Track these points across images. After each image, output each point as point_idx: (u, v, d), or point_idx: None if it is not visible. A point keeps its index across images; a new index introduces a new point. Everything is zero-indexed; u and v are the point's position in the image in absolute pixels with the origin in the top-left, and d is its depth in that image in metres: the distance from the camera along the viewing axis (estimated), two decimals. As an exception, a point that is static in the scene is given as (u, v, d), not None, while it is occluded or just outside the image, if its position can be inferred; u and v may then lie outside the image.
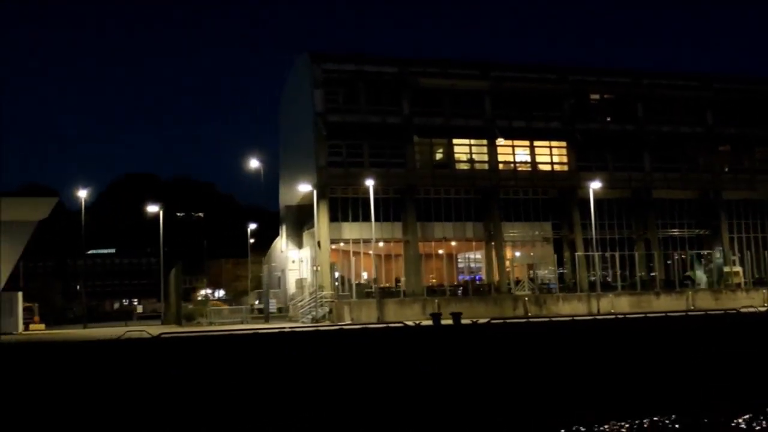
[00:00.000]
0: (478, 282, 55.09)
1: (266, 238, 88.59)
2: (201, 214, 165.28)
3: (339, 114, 50.52)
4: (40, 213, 55.51)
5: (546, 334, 30.13)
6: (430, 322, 37.49)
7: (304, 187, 49.34)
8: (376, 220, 48.87)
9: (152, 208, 63.66)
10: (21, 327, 47.95)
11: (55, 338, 40.23)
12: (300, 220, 58.62)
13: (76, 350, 27.81)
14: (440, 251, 54.76)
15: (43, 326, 54.34)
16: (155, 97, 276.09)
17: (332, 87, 50.89)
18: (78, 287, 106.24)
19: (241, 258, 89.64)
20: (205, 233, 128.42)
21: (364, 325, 38.19)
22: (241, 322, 48.12)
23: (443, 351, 23.88)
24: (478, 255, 56.94)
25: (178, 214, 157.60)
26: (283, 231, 59.95)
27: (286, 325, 43.08)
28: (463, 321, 36.59)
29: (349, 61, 51.53)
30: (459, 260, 57.68)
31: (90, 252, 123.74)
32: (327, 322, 45.11)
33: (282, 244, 60.66)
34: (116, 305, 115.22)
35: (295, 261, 59.26)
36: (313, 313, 47.45)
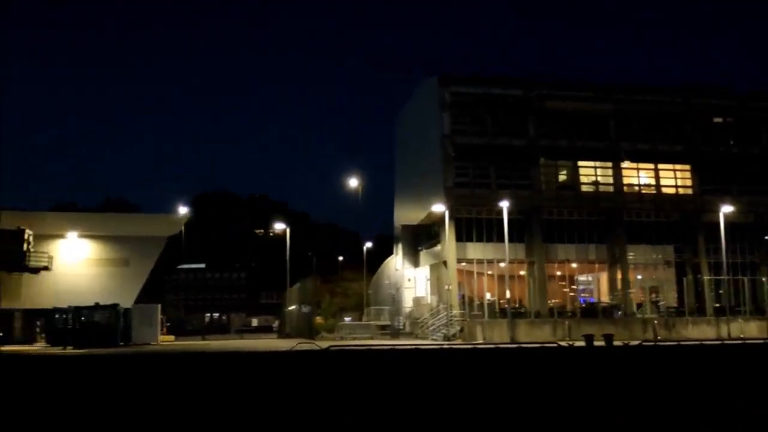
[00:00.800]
0: (592, 303, 55.05)
1: (351, 255, 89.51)
2: (282, 231, 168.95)
3: (466, 136, 51.47)
4: (172, 229, 58.20)
5: (710, 357, 30.06)
6: (564, 343, 37.67)
7: (437, 207, 50.07)
8: (499, 240, 49.39)
9: (279, 226, 65.46)
10: (159, 338, 50.06)
11: (205, 349, 41.94)
12: (416, 239, 59.73)
13: (260, 361, 29.07)
14: (559, 272, 54.93)
15: (172, 337, 56.62)
16: (225, 114, 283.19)
17: (459, 109, 51.94)
18: (175, 301, 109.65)
19: (329, 275, 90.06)
20: (282, 251, 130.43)
21: (497, 345, 38.70)
22: (371, 337, 49.26)
23: (623, 373, 24.15)
24: (590, 277, 57.00)
25: (257, 231, 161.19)
26: (399, 250, 61.08)
27: (418, 342, 43.96)
28: (615, 343, 36.76)
29: (476, 84, 52.47)
30: (576, 282, 57.72)
31: (181, 266, 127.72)
32: (459, 341, 45.77)
33: (397, 262, 61.79)
34: (206, 319, 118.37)
35: (410, 279, 60.28)
36: (444, 331, 48.18)
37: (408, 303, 59.34)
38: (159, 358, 33.17)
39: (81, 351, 41.62)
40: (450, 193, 50.57)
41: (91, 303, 52.58)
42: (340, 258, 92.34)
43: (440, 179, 51.20)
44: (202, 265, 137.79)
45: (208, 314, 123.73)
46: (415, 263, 59.87)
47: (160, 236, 57.36)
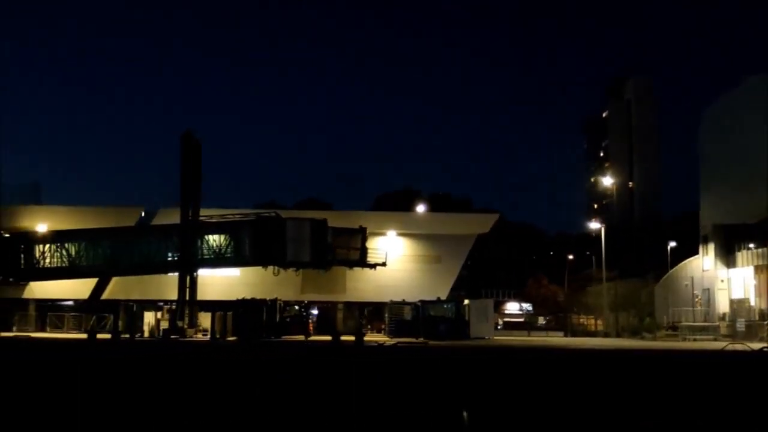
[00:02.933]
0: None
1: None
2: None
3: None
4: (483, 227, 59.65)
5: None
6: None
7: None
8: None
9: (594, 225, 65.30)
10: (492, 333, 51.37)
11: (553, 345, 42.36)
12: (730, 238, 57.42)
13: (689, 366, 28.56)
14: None
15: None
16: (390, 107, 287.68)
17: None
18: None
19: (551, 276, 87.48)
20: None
21: None
22: (714, 339, 47.90)
23: None
24: None
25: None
26: (710, 249, 58.99)
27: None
28: None
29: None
30: None
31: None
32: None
33: (705, 262, 59.74)
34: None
35: (724, 280, 58.06)
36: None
37: (722, 305, 57.20)
38: (528, 352, 33.85)
39: (443, 343, 43.60)
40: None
41: (408, 298, 55.41)
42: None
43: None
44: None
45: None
46: (729, 263, 57.56)
47: (469, 234, 58.98)
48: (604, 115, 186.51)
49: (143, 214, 59.07)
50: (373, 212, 64.19)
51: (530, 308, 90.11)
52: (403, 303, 53.02)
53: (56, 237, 54.61)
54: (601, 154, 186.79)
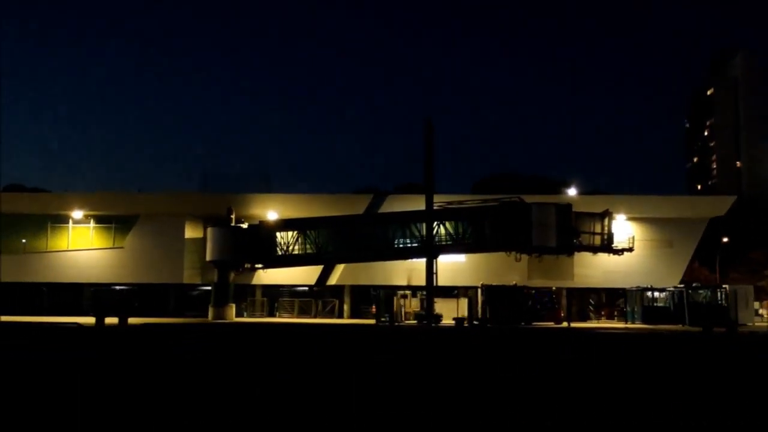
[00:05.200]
0: None
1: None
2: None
3: None
4: (717, 210, 58.44)
5: None
6: None
7: None
8: None
9: None
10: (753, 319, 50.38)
11: None
12: None
13: None
14: None
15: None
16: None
17: None
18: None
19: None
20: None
21: None
22: None
23: None
24: None
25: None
26: None
27: None
28: None
29: None
30: None
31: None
32: None
33: None
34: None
35: None
36: None
37: None
38: None
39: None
40: None
41: (639, 284, 54.73)
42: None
43: None
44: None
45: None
46: None
47: (701, 218, 57.83)
48: (708, 93, 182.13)
49: (372, 200, 59.17)
50: (600, 196, 63.10)
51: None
52: (653, 289, 52.35)
53: (302, 225, 55.05)
54: (705, 134, 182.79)
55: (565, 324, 50.87)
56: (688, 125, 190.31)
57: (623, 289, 56.59)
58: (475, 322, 50.68)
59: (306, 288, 60.00)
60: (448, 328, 46.11)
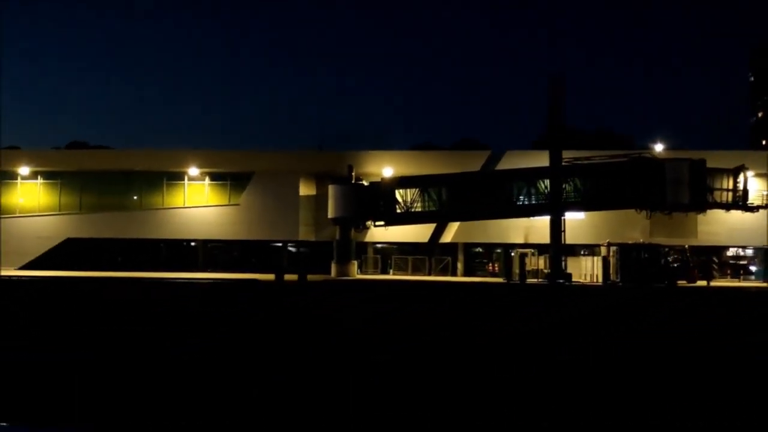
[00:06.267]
0: None
1: None
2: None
3: None
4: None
5: None
6: None
7: None
8: None
9: None
10: None
11: None
12: None
13: None
14: None
15: None
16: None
17: None
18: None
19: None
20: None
21: None
22: None
23: None
24: None
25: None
26: None
27: None
28: None
29: None
30: None
31: None
32: None
33: None
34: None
35: None
36: None
37: None
38: None
39: None
40: None
41: (762, 241, 53.09)
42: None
43: None
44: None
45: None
46: None
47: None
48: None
49: (488, 157, 57.87)
50: (726, 151, 60.76)
51: None
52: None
53: (423, 182, 54.00)
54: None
55: (702, 282, 49.58)
56: (752, 79, 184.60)
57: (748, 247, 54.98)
58: (609, 281, 49.57)
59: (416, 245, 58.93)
60: (596, 288, 45.09)
